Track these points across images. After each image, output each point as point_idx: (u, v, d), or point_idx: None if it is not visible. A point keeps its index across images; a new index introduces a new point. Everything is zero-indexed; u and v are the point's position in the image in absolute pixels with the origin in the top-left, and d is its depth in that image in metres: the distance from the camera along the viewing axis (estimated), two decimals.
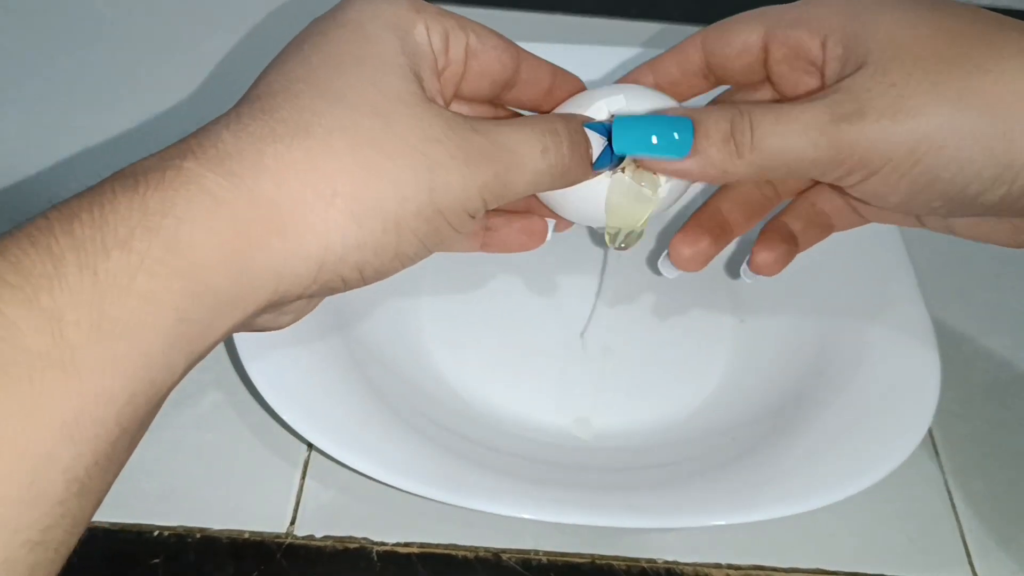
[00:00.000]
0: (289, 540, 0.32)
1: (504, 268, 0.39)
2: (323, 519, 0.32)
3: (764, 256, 0.31)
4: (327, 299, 0.35)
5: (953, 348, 0.39)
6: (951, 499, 0.34)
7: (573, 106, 0.29)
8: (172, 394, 0.34)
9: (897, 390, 0.33)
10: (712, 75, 0.31)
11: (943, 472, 0.35)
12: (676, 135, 0.26)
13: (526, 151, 0.25)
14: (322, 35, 0.24)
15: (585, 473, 0.33)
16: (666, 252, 0.32)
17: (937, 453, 0.35)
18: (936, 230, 0.31)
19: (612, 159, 0.27)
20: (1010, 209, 0.26)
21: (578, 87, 0.31)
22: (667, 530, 0.32)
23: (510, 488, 0.30)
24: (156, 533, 0.31)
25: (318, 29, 0.25)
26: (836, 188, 0.28)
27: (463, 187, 0.24)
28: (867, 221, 0.32)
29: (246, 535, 0.31)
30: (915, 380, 0.33)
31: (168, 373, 0.21)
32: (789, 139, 0.25)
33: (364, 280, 0.24)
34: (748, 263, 0.32)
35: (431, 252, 0.25)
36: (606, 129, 0.27)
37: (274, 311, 0.25)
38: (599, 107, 0.28)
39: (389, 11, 0.25)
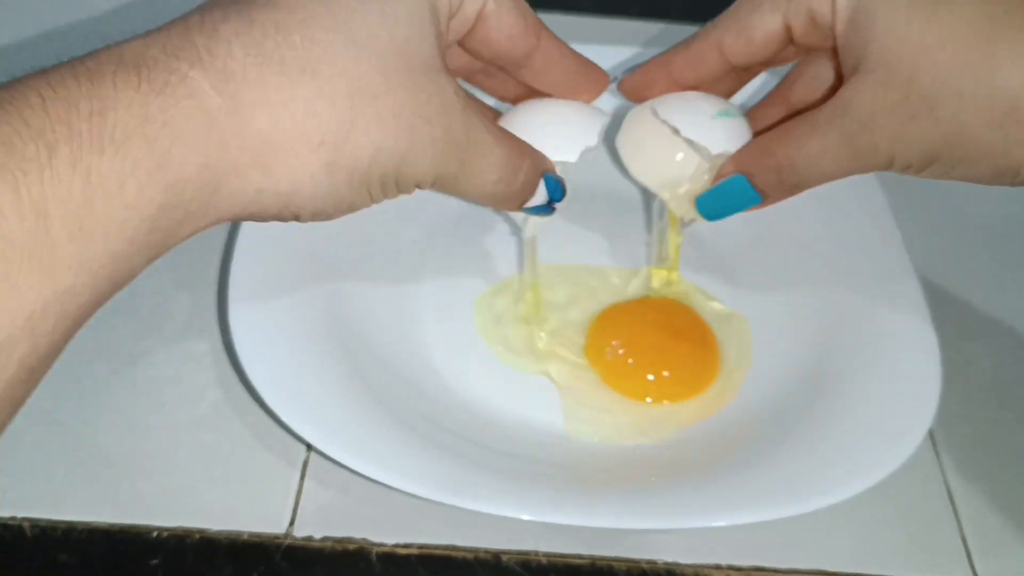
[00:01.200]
0: (288, 541, 0.31)
1: (505, 267, 0.39)
2: (322, 520, 0.32)
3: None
4: (328, 300, 0.35)
5: (954, 348, 0.39)
6: (952, 499, 0.34)
7: (561, 123, 0.31)
8: (171, 394, 0.35)
9: (898, 391, 0.33)
10: (738, 70, 0.32)
11: (943, 472, 0.35)
12: (744, 193, 0.30)
13: (485, 170, 0.27)
14: None
15: (585, 474, 0.32)
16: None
17: (937, 453, 0.35)
18: None
19: (545, 211, 0.32)
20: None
21: (601, 85, 0.32)
22: (667, 531, 0.32)
23: (509, 489, 0.30)
24: (155, 534, 0.31)
25: None
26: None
27: (428, 168, 0.25)
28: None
29: (245, 536, 0.31)
30: (916, 381, 0.33)
31: (128, 273, 0.22)
32: (825, 167, 0.28)
33: (309, 219, 0.25)
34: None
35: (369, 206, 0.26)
36: (557, 185, 0.31)
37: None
38: (577, 139, 0.31)
39: None
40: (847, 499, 0.30)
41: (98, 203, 0.20)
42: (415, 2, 0.25)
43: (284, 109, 0.22)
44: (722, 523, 0.30)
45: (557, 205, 0.32)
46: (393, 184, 0.25)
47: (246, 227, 0.35)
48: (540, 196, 0.30)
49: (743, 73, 0.33)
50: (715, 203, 0.31)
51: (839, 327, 0.36)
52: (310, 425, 0.30)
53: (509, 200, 0.30)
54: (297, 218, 0.25)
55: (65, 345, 0.21)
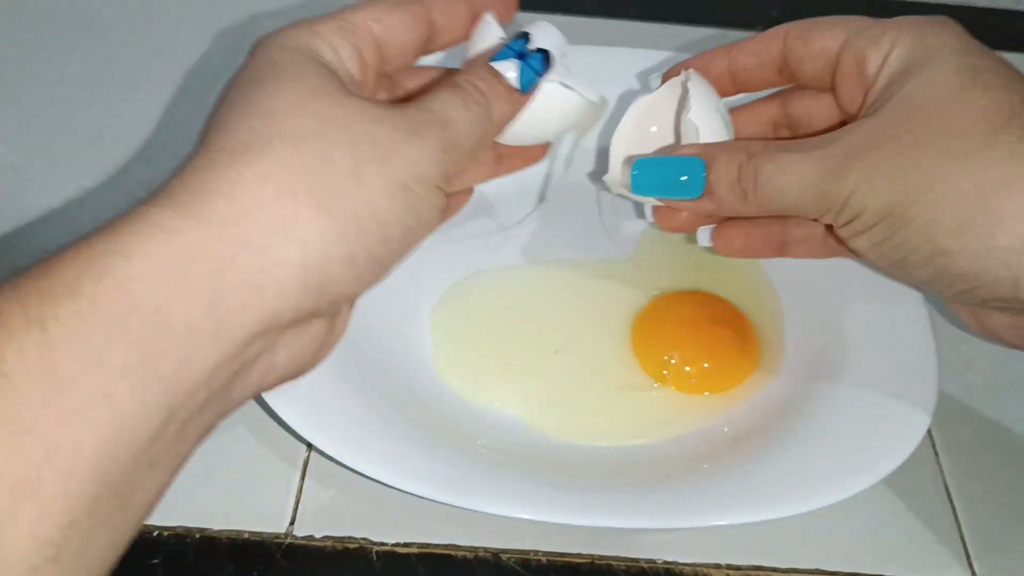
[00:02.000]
0: (289, 540, 0.31)
1: (504, 265, 0.39)
2: (323, 519, 0.32)
3: (734, 237, 0.32)
4: None
5: (953, 349, 0.39)
6: (950, 499, 0.34)
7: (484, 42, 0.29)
8: None
9: (897, 391, 0.33)
10: (786, 70, 0.31)
11: (942, 472, 0.35)
12: (688, 176, 0.29)
13: (451, 111, 0.25)
14: (239, 82, 0.24)
15: (584, 473, 0.33)
16: (712, 227, 0.33)
17: (936, 453, 0.35)
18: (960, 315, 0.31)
19: (539, 73, 0.28)
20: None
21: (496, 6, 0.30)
22: (666, 530, 0.32)
23: (508, 488, 0.30)
24: (155, 533, 0.31)
25: (235, 81, 0.25)
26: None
27: (419, 155, 0.24)
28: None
29: (245, 535, 0.31)
30: (915, 381, 0.33)
31: (146, 416, 0.19)
32: (786, 189, 0.27)
33: (360, 276, 0.23)
34: (712, 231, 0.33)
35: (419, 232, 0.25)
36: (515, 52, 0.28)
37: (282, 339, 0.23)
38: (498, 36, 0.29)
39: (291, 41, 0.25)
40: (845, 499, 0.30)
41: (62, 351, 0.18)
42: (305, 64, 0.24)
43: (234, 187, 0.22)
44: (721, 522, 0.30)
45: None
46: (406, 191, 0.24)
47: None
48: (513, 68, 0.27)
49: (788, 79, 0.32)
50: (654, 173, 0.30)
51: (837, 328, 0.36)
52: (310, 424, 0.30)
53: (496, 99, 0.27)
54: (342, 280, 0.23)
55: (107, 514, 0.19)
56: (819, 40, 0.30)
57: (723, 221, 0.33)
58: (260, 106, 0.23)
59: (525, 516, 0.29)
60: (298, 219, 0.21)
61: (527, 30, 0.29)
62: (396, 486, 0.29)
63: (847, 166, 0.26)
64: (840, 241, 0.29)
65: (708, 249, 0.34)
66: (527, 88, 0.28)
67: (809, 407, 0.33)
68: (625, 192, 0.32)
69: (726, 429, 0.34)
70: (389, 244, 0.24)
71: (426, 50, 0.29)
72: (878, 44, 0.28)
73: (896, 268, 0.27)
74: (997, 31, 0.57)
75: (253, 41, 0.26)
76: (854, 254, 0.30)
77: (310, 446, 0.33)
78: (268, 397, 0.30)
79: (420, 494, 0.29)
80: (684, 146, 0.30)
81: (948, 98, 0.25)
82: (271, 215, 0.21)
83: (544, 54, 0.28)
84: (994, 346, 0.39)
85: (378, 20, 0.27)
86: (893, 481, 0.34)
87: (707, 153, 0.29)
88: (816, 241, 0.32)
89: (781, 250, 0.33)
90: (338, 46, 0.26)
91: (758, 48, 0.31)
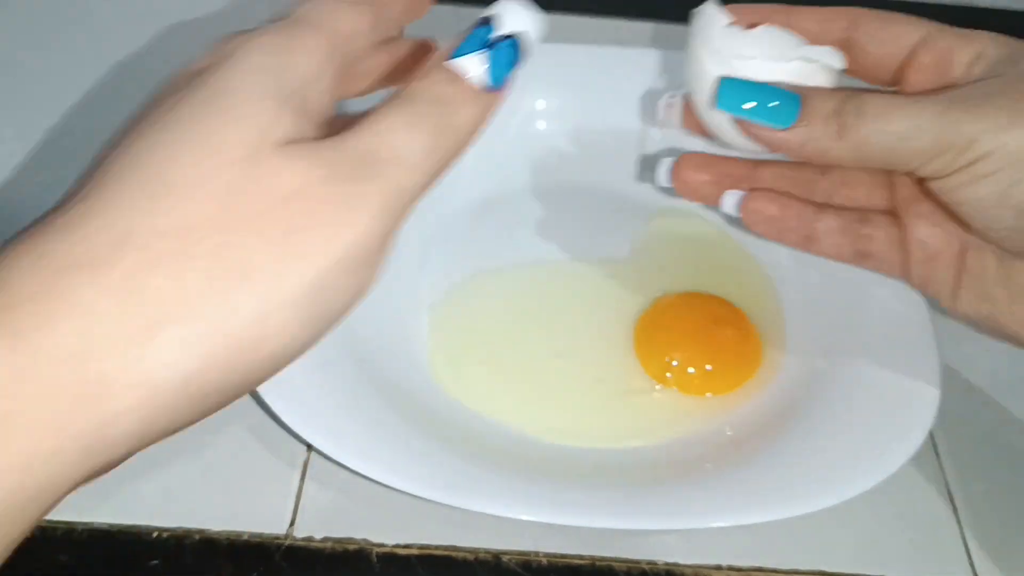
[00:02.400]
0: (288, 541, 0.31)
1: (504, 266, 0.39)
2: (322, 520, 0.32)
3: (767, 206, 0.30)
4: None
5: (955, 349, 0.39)
6: (952, 501, 0.34)
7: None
8: None
9: (898, 392, 0.33)
10: (846, 45, 0.29)
11: (944, 474, 0.35)
12: (779, 103, 0.26)
13: (398, 139, 0.21)
14: (157, 108, 0.20)
15: (584, 474, 0.32)
16: (672, 160, 0.31)
17: (938, 455, 0.35)
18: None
19: (513, 64, 0.23)
20: None
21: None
22: (667, 531, 0.32)
23: (508, 489, 0.30)
24: (155, 534, 0.31)
25: (156, 101, 0.21)
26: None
27: (349, 234, 0.20)
28: (896, 274, 0.32)
29: (245, 536, 0.31)
30: (915, 382, 0.33)
31: None
32: (896, 123, 0.25)
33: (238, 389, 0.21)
34: (740, 199, 0.31)
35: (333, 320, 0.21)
36: (479, 42, 0.23)
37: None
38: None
39: (264, 56, 0.21)
40: (846, 501, 0.30)
41: None
42: (246, 104, 0.20)
43: (88, 313, 0.18)
44: (722, 523, 0.30)
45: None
46: (347, 277, 0.21)
47: None
48: (480, 61, 0.23)
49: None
50: (744, 90, 0.27)
51: (837, 328, 0.36)
52: (310, 425, 0.30)
53: (456, 106, 0.22)
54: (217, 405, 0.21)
55: None
56: (896, 27, 0.28)
57: (755, 189, 0.31)
58: (166, 175, 0.19)
59: (524, 517, 0.29)
60: (151, 361, 0.18)
61: (488, 13, 0.24)
62: (396, 486, 0.29)
63: (974, 107, 0.25)
64: (928, 198, 0.28)
65: (715, 239, 0.33)
66: (499, 83, 0.23)
67: (811, 408, 0.33)
68: (705, 114, 0.29)
69: (728, 431, 0.34)
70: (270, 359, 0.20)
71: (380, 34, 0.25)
72: (969, 42, 0.27)
73: (1014, 216, 0.26)
74: (997, 31, 0.57)
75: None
76: (944, 213, 0.29)
77: (310, 447, 0.33)
78: (269, 399, 0.30)
79: (419, 494, 0.29)
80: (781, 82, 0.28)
81: None
82: (122, 355, 0.18)
83: (514, 40, 0.23)
84: (996, 347, 0.39)
85: (346, 20, 0.23)
86: (894, 482, 0.34)
87: (805, 88, 0.27)
88: (845, 235, 0.31)
89: (807, 241, 0.32)
90: (322, 73, 0.22)
91: (825, 16, 0.29)
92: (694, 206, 0.37)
